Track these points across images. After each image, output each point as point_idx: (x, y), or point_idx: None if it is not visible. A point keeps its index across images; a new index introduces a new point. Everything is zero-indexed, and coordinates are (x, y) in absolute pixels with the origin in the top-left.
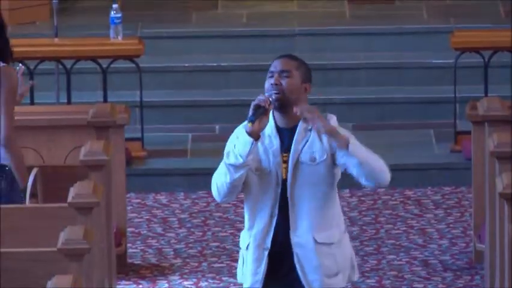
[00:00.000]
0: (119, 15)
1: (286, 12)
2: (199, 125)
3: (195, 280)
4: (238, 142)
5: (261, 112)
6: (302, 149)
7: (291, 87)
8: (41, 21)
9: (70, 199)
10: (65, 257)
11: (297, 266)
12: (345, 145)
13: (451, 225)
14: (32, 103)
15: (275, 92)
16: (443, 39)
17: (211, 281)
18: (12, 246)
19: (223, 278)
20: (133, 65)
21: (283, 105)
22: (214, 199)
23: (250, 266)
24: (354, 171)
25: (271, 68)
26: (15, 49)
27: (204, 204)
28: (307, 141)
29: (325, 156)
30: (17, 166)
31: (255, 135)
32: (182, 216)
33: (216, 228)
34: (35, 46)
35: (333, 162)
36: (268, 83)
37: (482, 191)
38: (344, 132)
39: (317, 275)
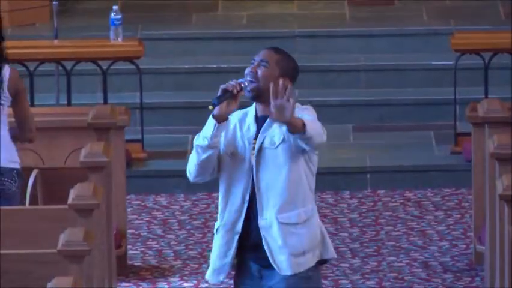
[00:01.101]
0: (119, 16)
1: (286, 13)
2: (199, 126)
3: (195, 282)
4: (206, 124)
5: (227, 96)
6: (265, 134)
7: (265, 77)
8: (41, 22)
9: (70, 201)
10: (65, 258)
11: (265, 247)
12: (302, 129)
13: (451, 227)
14: (32, 105)
15: (249, 79)
16: (443, 40)
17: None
18: (12, 248)
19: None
20: (133, 67)
21: (258, 94)
22: (214, 201)
23: (218, 250)
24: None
25: (255, 56)
26: (15, 51)
27: (204, 205)
28: (272, 128)
29: (282, 137)
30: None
31: (219, 118)
32: (183, 217)
33: None
34: (35, 48)
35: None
36: (247, 69)
37: (482, 193)
38: (302, 111)
39: (284, 255)
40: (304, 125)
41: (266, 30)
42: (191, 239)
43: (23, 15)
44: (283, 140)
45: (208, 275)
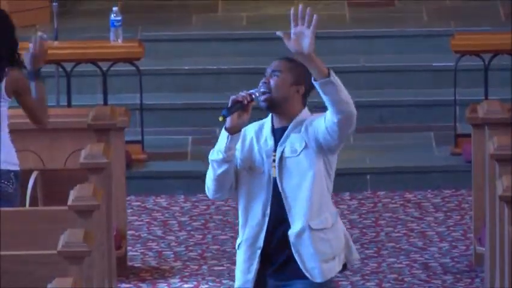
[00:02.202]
0: (119, 18)
1: (286, 15)
2: (199, 128)
3: (195, 283)
4: (219, 138)
5: (237, 107)
6: (285, 145)
7: (277, 86)
8: (41, 24)
9: (70, 202)
10: (66, 259)
11: (296, 256)
12: (324, 74)
13: (451, 228)
14: None
15: (262, 89)
16: (443, 42)
17: (212, 284)
18: (12, 249)
19: (224, 281)
20: (133, 68)
21: (272, 104)
22: (214, 202)
23: (242, 265)
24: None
25: (267, 68)
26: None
27: (204, 207)
28: (291, 138)
29: (304, 144)
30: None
31: (232, 130)
32: (183, 219)
33: (216, 231)
34: None
35: (315, 146)
36: (261, 81)
37: (482, 194)
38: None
39: (316, 262)
40: (328, 70)
41: (266, 31)
42: (191, 240)
43: (23, 17)
44: (305, 146)
45: None
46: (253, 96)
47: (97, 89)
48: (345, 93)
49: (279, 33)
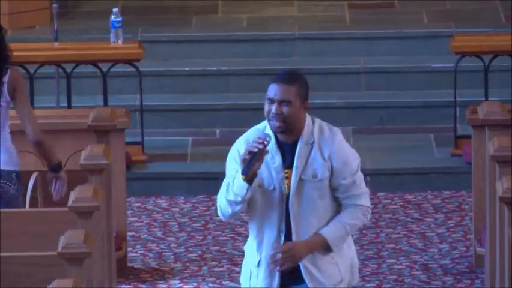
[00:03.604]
0: (119, 19)
1: (286, 16)
2: (199, 129)
3: (195, 284)
4: (234, 181)
5: (255, 159)
6: (304, 165)
7: (293, 116)
8: (41, 25)
9: (70, 203)
10: (66, 261)
11: (306, 278)
12: (327, 249)
13: (451, 229)
14: (32, 107)
15: (277, 122)
16: (443, 43)
17: (212, 285)
18: (12, 250)
19: (224, 282)
20: (133, 69)
21: (287, 131)
22: (214, 203)
23: (262, 282)
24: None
25: (271, 94)
26: (15, 53)
27: (204, 208)
28: (308, 157)
29: (327, 174)
30: (49, 149)
31: (250, 181)
32: (183, 220)
33: (216, 232)
34: (35, 50)
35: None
36: (267, 109)
37: (483, 195)
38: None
39: (323, 285)
40: (326, 243)
41: (266, 32)
42: (191, 241)
43: (23, 18)
44: (330, 177)
45: None
46: (266, 142)
47: (97, 90)
48: (353, 230)
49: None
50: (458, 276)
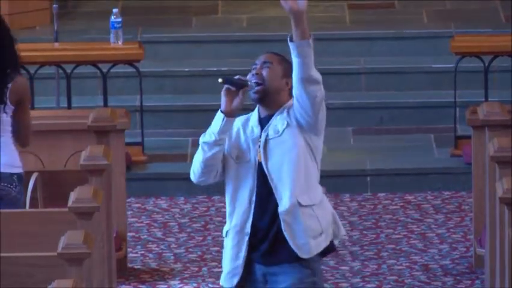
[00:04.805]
0: (119, 19)
1: (286, 17)
2: (199, 129)
3: (195, 285)
4: (213, 121)
5: (235, 83)
6: (269, 129)
7: (270, 78)
8: (41, 25)
9: (70, 204)
10: (66, 261)
11: (286, 233)
12: (304, 37)
13: (451, 230)
14: (32, 108)
15: (255, 81)
16: (443, 43)
17: (212, 286)
18: (12, 251)
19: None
20: (133, 70)
21: (264, 96)
22: (214, 204)
23: (230, 252)
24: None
25: (255, 61)
26: None
27: (204, 208)
28: (272, 121)
29: (285, 123)
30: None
31: (227, 114)
32: (183, 220)
33: (216, 233)
34: (35, 51)
35: (297, 125)
36: (250, 74)
37: (483, 196)
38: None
39: (305, 238)
40: (307, 37)
41: (266, 33)
42: (191, 242)
43: (23, 18)
44: (287, 125)
45: (222, 279)
46: (249, 83)
47: (97, 91)
48: (313, 60)
49: None
50: (458, 277)
